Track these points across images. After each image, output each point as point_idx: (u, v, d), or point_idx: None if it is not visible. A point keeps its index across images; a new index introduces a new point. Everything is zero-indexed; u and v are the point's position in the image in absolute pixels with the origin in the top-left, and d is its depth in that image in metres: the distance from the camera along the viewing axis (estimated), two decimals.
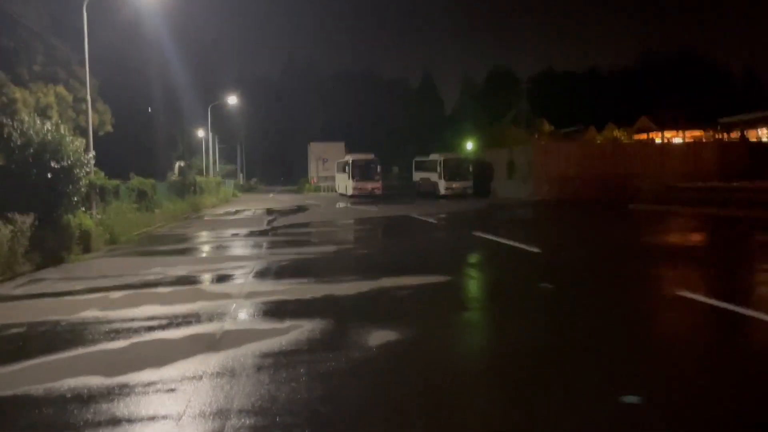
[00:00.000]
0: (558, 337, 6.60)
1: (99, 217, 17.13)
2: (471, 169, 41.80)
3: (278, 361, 5.75)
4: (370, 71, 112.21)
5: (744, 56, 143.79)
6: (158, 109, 46.96)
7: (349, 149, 57.03)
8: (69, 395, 5.01)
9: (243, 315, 7.84)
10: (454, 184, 40.96)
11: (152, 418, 4.53)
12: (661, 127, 56.15)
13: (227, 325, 7.25)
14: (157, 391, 5.08)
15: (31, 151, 13.43)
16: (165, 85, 47.70)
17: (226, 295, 9.07)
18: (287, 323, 7.18)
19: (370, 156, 45.74)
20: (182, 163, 53.36)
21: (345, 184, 45.89)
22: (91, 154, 16.75)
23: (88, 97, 19.38)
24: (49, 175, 13.47)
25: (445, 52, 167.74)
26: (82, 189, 14.91)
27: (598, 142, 45.25)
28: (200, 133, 54.41)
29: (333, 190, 53.56)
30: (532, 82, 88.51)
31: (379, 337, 6.54)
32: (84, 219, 15.10)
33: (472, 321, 7.73)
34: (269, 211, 30.41)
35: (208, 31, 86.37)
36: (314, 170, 59.24)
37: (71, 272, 11.92)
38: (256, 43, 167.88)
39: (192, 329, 7.06)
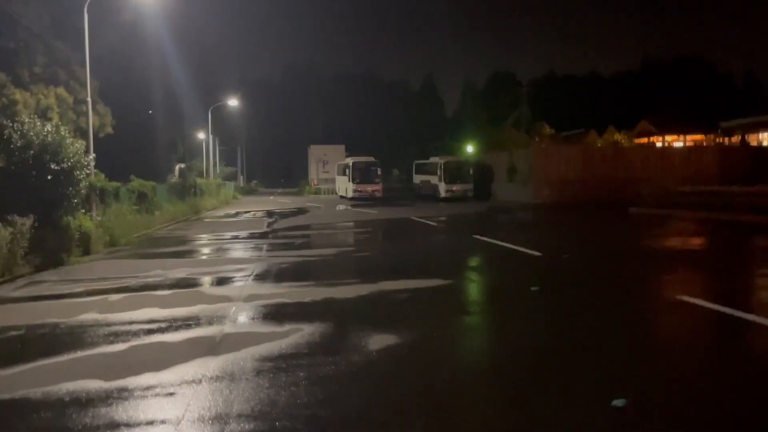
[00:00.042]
0: (558, 341, 6.58)
1: (99, 219, 17.12)
2: (471, 172, 41.79)
3: (278, 365, 5.73)
4: (370, 73, 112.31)
5: (745, 59, 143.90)
6: (159, 111, 46.98)
7: (350, 152, 57.04)
8: (67, 399, 4.98)
9: (243, 318, 7.82)
10: (455, 187, 40.96)
11: (151, 423, 4.51)
12: (662, 131, 56.12)
13: (227, 328, 7.23)
14: (156, 395, 5.06)
15: (32, 152, 13.41)
16: (165, 87, 47.73)
17: (226, 298, 9.04)
18: (287, 326, 7.16)
19: (371, 158, 45.75)
20: (182, 165, 53.34)
21: (345, 186, 45.88)
22: (92, 155, 16.74)
23: (89, 99, 19.37)
24: (49, 177, 13.46)
25: (446, 55, 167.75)
26: (82, 191, 14.89)
27: (599, 145, 45.26)
28: (201, 135, 54.40)
29: (333, 192, 53.54)
30: (533, 85, 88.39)
31: (379, 340, 6.51)
32: (84, 221, 15.09)
33: (472, 325, 7.70)
34: (269, 214, 30.39)
35: (208, 33, 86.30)
36: (314, 172, 59.25)
37: (71, 274, 11.90)
38: (256, 45, 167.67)
39: (191, 332, 7.04)
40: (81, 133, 22.32)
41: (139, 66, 42.78)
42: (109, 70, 32.54)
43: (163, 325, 7.40)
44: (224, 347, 6.38)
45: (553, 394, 4.97)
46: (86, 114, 19.81)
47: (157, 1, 24.43)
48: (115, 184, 20.72)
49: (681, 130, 55.74)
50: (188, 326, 7.32)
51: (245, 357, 6.00)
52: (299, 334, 6.80)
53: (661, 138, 56.03)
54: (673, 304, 8.22)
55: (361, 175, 43.61)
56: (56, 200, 13.78)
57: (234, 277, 11.11)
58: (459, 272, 11.64)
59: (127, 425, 4.45)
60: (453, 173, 41.37)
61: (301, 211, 31.85)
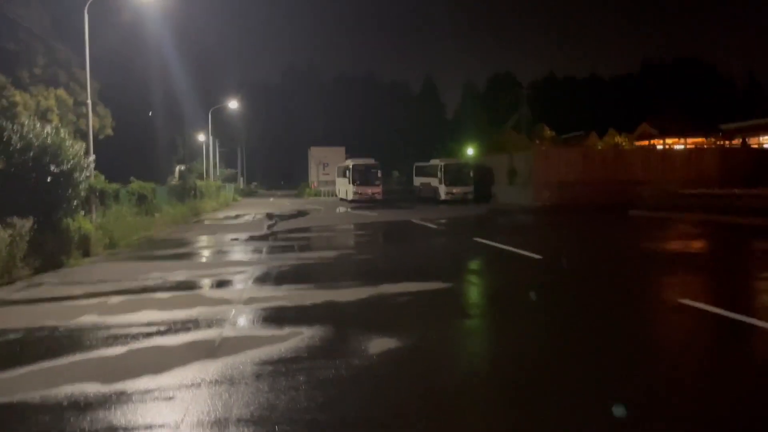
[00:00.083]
0: (559, 345, 6.55)
1: (98, 221, 17.09)
2: (472, 174, 41.80)
3: (277, 369, 5.70)
4: (370, 75, 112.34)
5: (746, 62, 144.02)
6: (159, 112, 46.99)
7: (350, 153, 57.05)
8: (66, 403, 4.95)
9: (242, 321, 7.79)
10: (455, 189, 40.97)
11: (149, 427, 4.47)
12: (663, 134, 56.08)
13: (226, 331, 7.20)
14: (155, 398, 5.02)
15: (31, 154, 13.37)
16: (166, 89, 47.76)
17: (226, 301, 9.01)
18: (287, 330, 7.12)
19: (371, 161, 45.75)
20: (183, 167, 53.38)
21: (345, 188, 45.88)
22: (91, 157, 16.71)
23: (89, 101, 19.35)
24: (48, 179, 13.41)
25: (446, 56, 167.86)
26: (82, 193, 14.85)
27: (599, 148, 45.22)
28: (201, 136, 54.39)
29: (333, 194, 53.55)
30: (534, 87, 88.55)
31: (379, 344, 6.48)
32: (83, 223, 15.05)
33: (473, 328, 7.67)
34: (269, 216, 30.36)
35: (208, 34, 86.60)
36: (314, 174, 59.24)
37: (70, 277, 11.87)
38: (256, 46, 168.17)
39: (191, 336, 7.00)
40: (81, 134, 22.32)
41: (139, 67, 42.79)
42: (109, 71, 32.51)
43: (162, 328, 7.37)
44: (224, 350, 6.35)
45: (554, 398, 4.94)
46: (86, 116, 19.79)
47: (157, 2, 24.40)
48: (114, 186, 20.69)
49: (682, 132, 55.66)
50: (187, 329, 7.28)
51: (245, 360, 5.96)
52: (299, 337, 6.77)
53: (661, 140, 55.97)
54: (674, 307, 8.19)
55: (361, 177, 43.61)
56: (56, 202, 13.74)
57: (234, 279, 11.08)
58: (460, 275, 11.62)
59: (126, 429, 4.41)
60: (453, 175, 41.38)
61: (301, 214, 31.83)
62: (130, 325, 7.53)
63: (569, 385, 5.26)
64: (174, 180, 44.62)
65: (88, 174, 15.40)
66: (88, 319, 7.99)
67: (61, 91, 30.37)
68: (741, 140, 47.61)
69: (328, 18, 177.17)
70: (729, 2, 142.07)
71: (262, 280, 10.94)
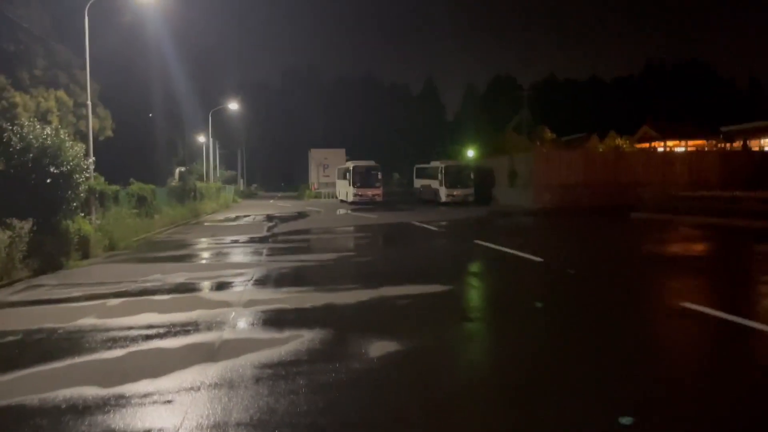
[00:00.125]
0: (560, 349, 6.50)
1: (98, 222, 17.06)
2: (472, 176, 41.74)
3: (277, 372, 5.66)
4: (371, 76, 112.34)
5: (747, 64, 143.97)
6: (159, 114, 47.00)
7: (350, 155, 57.00)
8: (64, 406, 4.92)
9: (242, 324, 7.75)
10: (456, 192, 40.91)
11: (148, 431, 4.43)
12: (664, 136, 56.02)
13: (226, 334, 7.15)
14: (154, 402, 4.99)
15: (31, 156, 13.34)
16: (166, 90, 47.78)
17: (225, 304, 8.97)
18: (287, 333, 7.08)
19: (371, 162, 45.70)
20: (182, 169, 53.30)
21: (346, 190, 45.82)
22: (91, 159, 16.69)
23: (89, 102, 19.33)
24: (48, 181, 13.38)
25: (447, 58, 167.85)
26: (82, 194, 14.82)
27: (600, 150, 45.16)
28: (201, 138, 54.36)
29: (333, 196, 53.48)
30: (534, 89, 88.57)
31: (379, 347, 6.44)
32: (83, 224, 15.02)
33: (474, 332, 7.63)
34: (269, 218, 30.32)
35: (208, 35, 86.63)
36: (315, 176, 59.15)
37: (69, 278, 11.83)
38: (256, 47, 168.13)
39: (190, 338, 6.97)
40: (81, 136, 22.30)
41: (139, 69, 42.81)
42: (110, 72, 32.51)
43: (161, 330, 7.33)
44: (223, 354, 6.31)
45: (555, 403, 4.91)
46: (86, 117, 19.77)
47: (157, 3, 24.39)
48: (114, 187, 20.65)
49: (683, 135, 55.61)
50: (187, 332, 7.24)
51: (244, 364, 5.93)
52: (299, 340, 6.73)
53: (662, 143, 55.94)
54: (677, 311, 8.15)
55: (361, 179, 43.55)
56: (55, 204, 13.71)
57: (233, 282, 11.03)
58: (460, 278, 11.57)
59: None
60: (454, 177, 41.32)
61: (301, 215, 31.79)
62: (129, 328, 7.50)
63: (571, 390, 5.22)
64: (174, 181, 44.54)
65: (87, 175, 15.38)
66: (87, 321, 7.96)
67: (61, 93, 30.37)
68: (742, 143, 47.53)
69: (329, 19, 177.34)
70: (730, 4, 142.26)
71: (262, 282, 10.90)
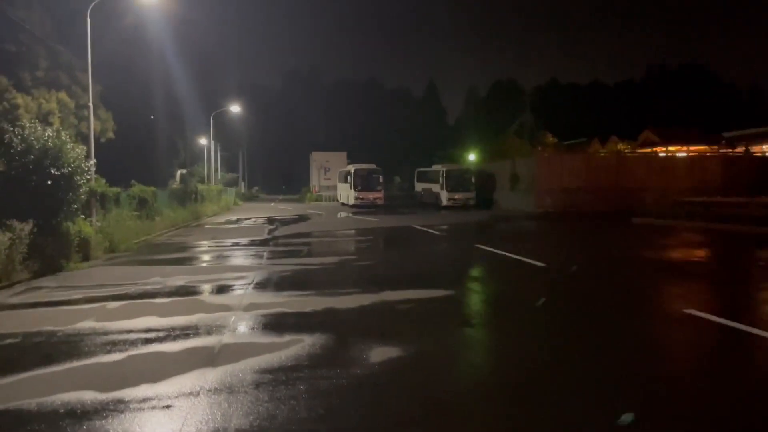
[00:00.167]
0: (563, 354, 6.46)
1: (99, 224, 17.03)
2: (474, 180, 41.72)
3: (277, 378, 5.61)
4: (372, 80, 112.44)
5: (749, 69, 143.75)
6: (160, 116, 47.05)
7: (351, 159, 57.01)
8: (62, 410, 4.88)
9: (242, 328, 7.69)
10: (457, 195, 40.89)
11: None
12: (665, 141, 55.95)
13: (226, 338, 7.11)
14: (153, 407, 4.94)
15: (32, 157, 13.33)
16: (167, 93, 47.82)
17: (225, 307, 8.92)
18: (287, 337, 7.04)
19: (373, 166, 45.71)
20: (184, 171, 53.29)
21: (347, 193, 45.81)
22: (92, 161, 16.67)
23: (90, 104, 19.32)
24: (49, 182, 13.36)
25: (449, 61, 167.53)
26: (82, 196, 14.80)
27: (602, 154, 45.13)
28: (202, 140, 54.40)
29: (335, 199, 53.47)
30: (536, 93, 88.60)
31: (380, 352, 6.40)
32: (83, 226, 14.99)
33: (475, 337, 7.58)
34: (270, 220, 30.31)
35: (210, 38, 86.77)
36: (316, 179, 59.17)
37: (69, 281, 11.79)
38: (258, 50, 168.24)
39: (190, 342, 6.92)
40: (82, 138, 22.26)
41: (141, 71, 42.86)
42: (112, 75, 32.56)
43: (161, 334, 7.29)
44: (223, 358, 6.26)
45: (557, 409, 4.87)
46: (88, 119, 19.75)
47: (159, 6, 24.40)
48: (115, 189, 20.63)
49: (684, 140, 55.55)
50: (186, 336, 7.20)
51: (244, 369, 5.88)
52: (300, 345, 6.69)
53: (664, 148, 55.90)
54: (679, 317, 8.10)
55: (362, 182, 43.55)
56: (56, 205, 13.68)
57: (234, 285, 10.99)
58: (462, 282, 11.53)
59: None
60: (455, 181, 41.30)
61: (302, 218, 31.76)
62: (129, 331, 7.46)
63: (573, 396, 5.17)
64: (175, 184, 44.51)
65: (88, 177, 15.37)
66: (86, 324, 7.91)
67: (62, 94, 30.38)
68: (744, 148, 47.44)
69: (330, 22, 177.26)
70: (732, 9, 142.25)
71: (262, 285, 10.86)
